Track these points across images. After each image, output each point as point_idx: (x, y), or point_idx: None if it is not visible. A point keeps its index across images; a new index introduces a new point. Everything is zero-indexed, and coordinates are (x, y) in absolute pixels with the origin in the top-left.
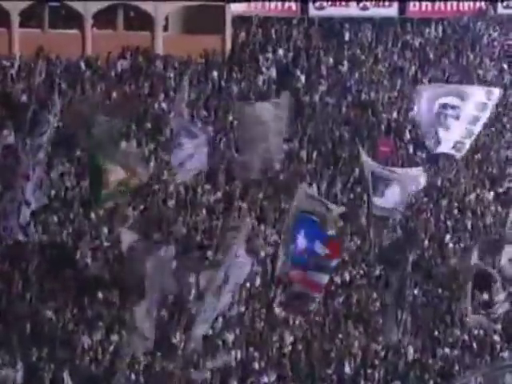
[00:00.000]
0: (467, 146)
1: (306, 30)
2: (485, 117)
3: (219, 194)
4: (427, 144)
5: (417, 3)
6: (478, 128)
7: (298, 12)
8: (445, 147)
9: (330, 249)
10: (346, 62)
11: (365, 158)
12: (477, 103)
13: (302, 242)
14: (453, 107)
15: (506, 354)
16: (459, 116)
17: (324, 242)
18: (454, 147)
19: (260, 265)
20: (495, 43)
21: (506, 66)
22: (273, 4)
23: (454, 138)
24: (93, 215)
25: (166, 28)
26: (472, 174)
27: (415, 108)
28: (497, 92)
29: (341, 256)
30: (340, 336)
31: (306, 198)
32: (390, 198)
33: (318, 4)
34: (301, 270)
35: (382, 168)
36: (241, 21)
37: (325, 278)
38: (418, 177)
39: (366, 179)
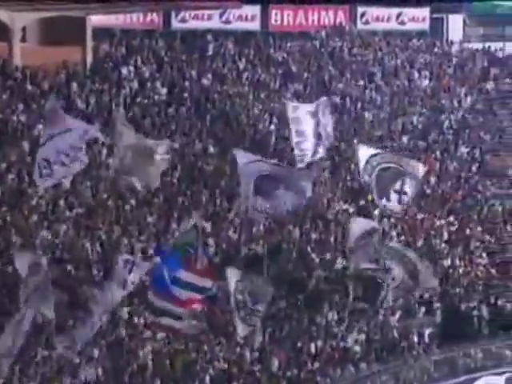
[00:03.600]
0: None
1: (168, 42)
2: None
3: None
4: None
5: (278, 17)
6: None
7: (161, 25)
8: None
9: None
10: (209, 75)
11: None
12: None
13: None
14: None
15: (365, 365)
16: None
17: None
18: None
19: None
20: (356, 58)
21: (366, 81)
22: (135, 16)
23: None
24: None
25: (24, 39)
26: (335, 187)
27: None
28: None
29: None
30: (205, 348)
31: None
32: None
33: (180, 17)
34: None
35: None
36: (103, 32)
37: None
38: None
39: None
